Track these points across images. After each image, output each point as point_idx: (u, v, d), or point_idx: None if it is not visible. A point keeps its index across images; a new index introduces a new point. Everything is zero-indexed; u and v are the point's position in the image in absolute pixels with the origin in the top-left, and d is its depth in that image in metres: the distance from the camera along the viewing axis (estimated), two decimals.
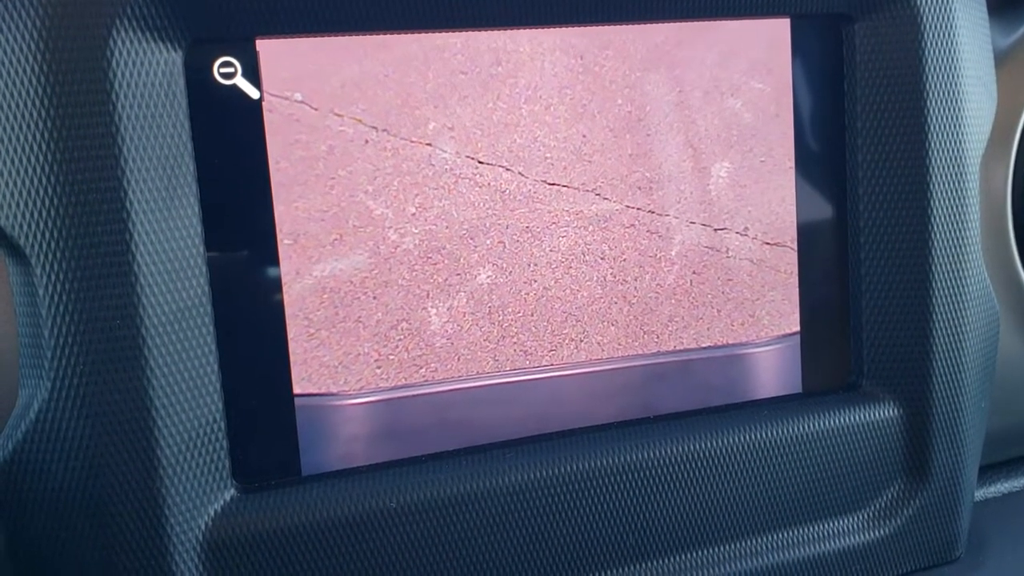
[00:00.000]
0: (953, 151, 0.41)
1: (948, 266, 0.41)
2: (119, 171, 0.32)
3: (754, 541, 0.41)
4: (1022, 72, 0.48)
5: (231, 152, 0.34)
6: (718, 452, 0.40)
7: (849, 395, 0.42)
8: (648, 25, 0.39)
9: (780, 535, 0.41)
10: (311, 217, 0.35)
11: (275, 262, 0.35)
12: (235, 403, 0.35)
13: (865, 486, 0.42)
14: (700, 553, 0.40)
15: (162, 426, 0.33)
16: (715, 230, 0.41)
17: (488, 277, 0.38)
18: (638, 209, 0.40)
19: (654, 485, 0.39)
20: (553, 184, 0.38)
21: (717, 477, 0.40)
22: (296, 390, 0.36)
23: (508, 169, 0.38)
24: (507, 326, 0.38)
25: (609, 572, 0.39)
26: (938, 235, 0.41)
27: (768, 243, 0.42)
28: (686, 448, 0.39)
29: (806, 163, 0.42)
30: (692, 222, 0.40)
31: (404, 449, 0.38)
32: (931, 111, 0.40)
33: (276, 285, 0.35)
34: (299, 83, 0.35)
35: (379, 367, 0.37)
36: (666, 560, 0.40)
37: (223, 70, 0.34)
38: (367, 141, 0.36)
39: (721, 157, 0.41)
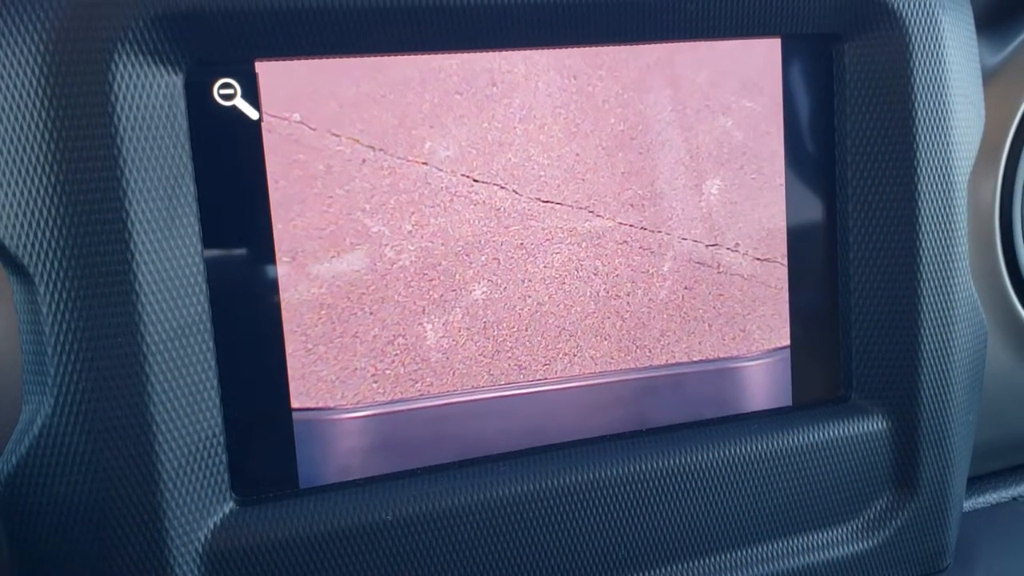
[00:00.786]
0: (941, 168, 0.41)
1: (936, 281, 0.42)
2: (121, 191, 0.32)
3: (745, 552, 0.42)
4: (1010, 90, 0.48)
5: (231, 172, 0.35)
6: (710, 464, 0.40)
7: (839, 408, 0.43)
8: (641, 46, 0.39)
9: (770, 546, 0.42)
10: (309, 235, 0.36)
11: (274, 279, 0.36)
12: (234, 417, 0.36)
13: (854, 497, 0.43)
14: (691, 564, 0.41)
15: (162, 440, 0.33)
16: (707, 246, 0.41)
17: (483, 293, 0.39)
18: (631, 226, 0.40)
19: (646, 497, 0.40)
20: (547, 202, 0.39)
21: (708, 489, 0.40)
22: (294, 404, 0.37)
23: (503, 187, 0.38)
24: (502, 341, 0.39)
25: None
26: (926, 250, 0.42)
27: (759, 259, 0.42)
28: (678, 460, 0.40)
29: (796, 180, 0.42)
30: (684, 238, 0.41)
31: (400, 462, 0.38)
32: (920, 129, 0.41)
33: (275, 301, 0.36)
34: (298, 104, 0.35)
35: (376, 381, 0.38)
36: (658, 571, 0.40)
37: (223, 91, 0.35)
38: (364, 160, 0.37)
39: (712, 174, 0.41)
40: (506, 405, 0.39)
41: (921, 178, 0.41)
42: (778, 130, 0.42)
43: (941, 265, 0.42)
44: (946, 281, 0.42)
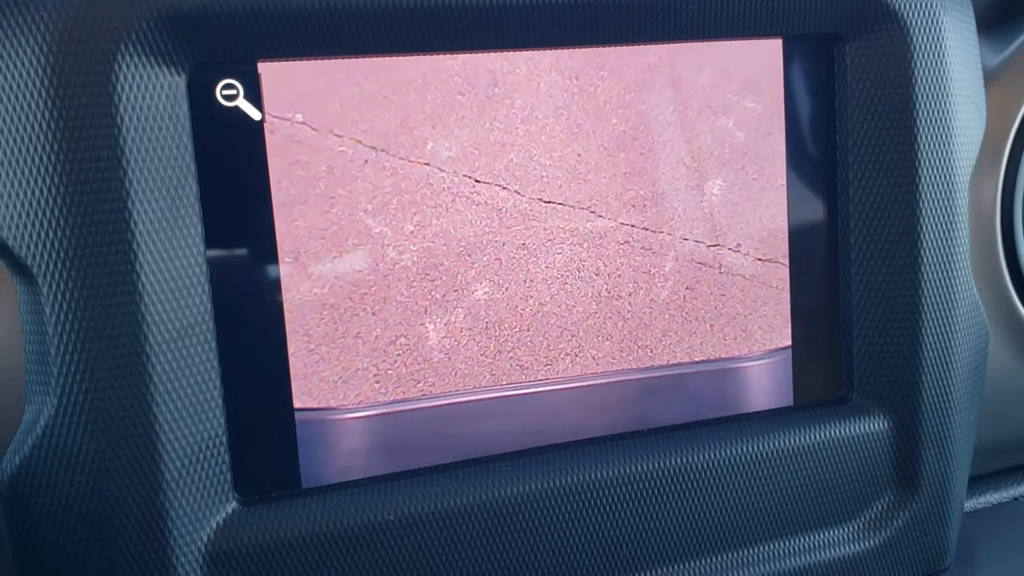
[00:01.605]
0: (942, 168, 0.42)
1: (937, 281, 0.42)
2: (124, 192, 0.32)
3: (746, 552, 0.42)
4: (1011, 90, 0.48)
5: (233, 172, 0.35)
6: (711, 464, 0.40)
7: (840, 408, 0.43)
8: (642, 46, 0.40)
9: (771, 546, 0.42)
10: (311, 235, 0.36)
11: (276, 279, 0.36)
12: (237, 417, 0.36)
13: (855, 497, 0.43)
14: (693, 564, 0.41)
15: (165, 440, 0.33)
16: (708, 246, 0.42)
17: (485, 293, 0.39)
18: (632, 226, 0.40)
19: (648, 497, 0.40)
20: (549, 202, 0.39)
21: (710, 489, 0.40)
22: (296, 404, 0.37)
23: (504, 188, 0.38)
24: (503, 341, 0.39)
25: None
26: (927, 251, 0.42)
27: (760, 259, 0.42)
28: (679, 460, 0.40)
29: (797, 180, 0.42)
30: (685, 239, 0.41)
31: (402, 462, 0.38)
32: (921, 129, 0.41)
33: (277, 302, 0.36)
34: (300, 105, 0.36)
35: (378, 382, 0.38)
36: (660, 571, 0.40)
37: (225, 92, 0.35)
38: (366, 161, 0.37)
39: (714, 175, 0.41)
40: (508, 405, 0.39)
41: (922, 178, 0.41)
42: (779, 131, 0.42)
43: (942, 265, 0.42)
44: (947, 281, 0.42)
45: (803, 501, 0.42)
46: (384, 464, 0.38)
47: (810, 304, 0.43)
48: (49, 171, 0.31)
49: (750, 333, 0.43)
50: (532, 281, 0.39)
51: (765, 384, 0.43)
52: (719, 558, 0.41)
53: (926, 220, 0.41)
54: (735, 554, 0.42)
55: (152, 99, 0.33)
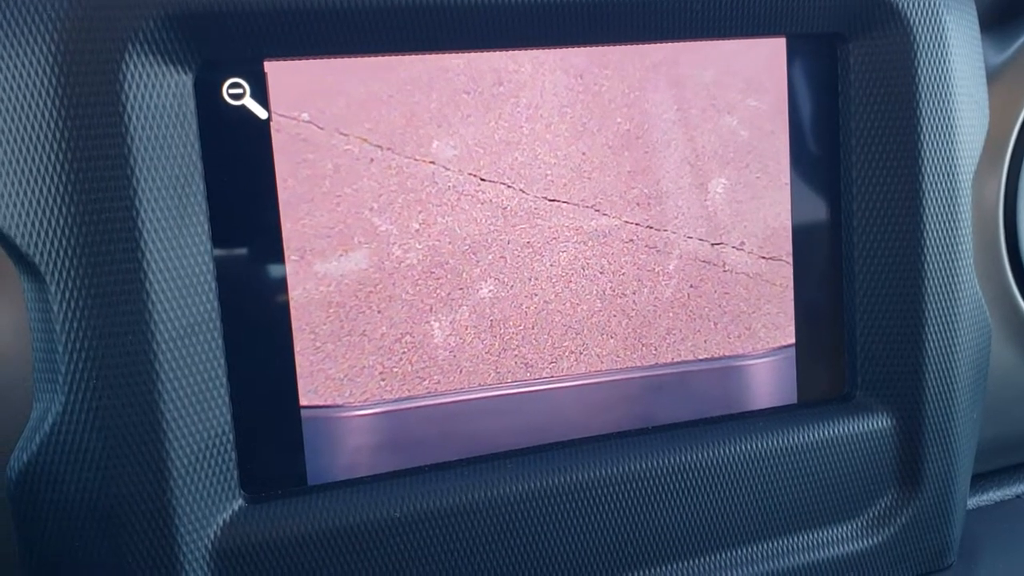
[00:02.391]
0: (945, 167, 0.42)
1: (941, 279, 0.42)
2: (131, 190, 0.32)
3: (749, 549, 0.42)
4: (1014, 89, 0.48)
5: (240, 171, 0.35)
6: (715, 462, 0.41)
7: (843, 406, 0.43)
8: (647, 45, 0.40)
9: (775, 543, 0.42)
10: (318, 233, 0.36)
11: (282, 277, 0.36)
12: (243, 415, 0.36)
13: (859, 495, 0.43)
14: (697, 561, 0.41)
15: (172, 438, 0.33)
16: (712, 245, 0.42)
17: (490, 291, 0.39)
18: (636, 224, 0.40)
19: (652, 494, 0.40)
20: (553, 200, 0.39)
21: (714, 486, 0.41)
22: (303, 402, 0.37)
23: (509, 186, 0.39)
24: (508, 339, 0.39)
25: None
26: (931, 249, 0.42)
27: (764, 257, 0.43)
28: (683, 458, 0.40)
29: (801, 179, 0.43)
30: (689, 237, 0.41)
31: (408, 459, 0.38)
32: (924, 128, 0.41)
33: (283, 300, 0.36)
34: (306, 103, 0.36)
35: (383, 379, 0.38)
36: (663, 568, 0.40)
37: (232, 91, 0.35)
38: (372, 160, 0.37)
39: (718, 173, 0.41)
40: (513, 403, 0.40)
41: (925, 177, 0.41)
42: (783, 129, 0.42)
43: (945, 263, 0.42)
44: (950, 279, 0.42)
45: (807, 498, 0.42)
46: (390, 461, 0.38)
47: (814, 302, 0.43)
48: (56, 169, 0.32)
49: (754, 331, 0.43)
50: (537, 279, 0.39)
51: (769, 382, 0.43)
52: (723, 555, 0.41)
53: (929, 218, 0.42)
54: (739, 551, 0.42)
55: (159, 98, 0.33)
